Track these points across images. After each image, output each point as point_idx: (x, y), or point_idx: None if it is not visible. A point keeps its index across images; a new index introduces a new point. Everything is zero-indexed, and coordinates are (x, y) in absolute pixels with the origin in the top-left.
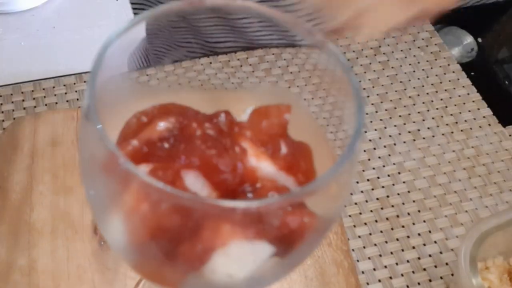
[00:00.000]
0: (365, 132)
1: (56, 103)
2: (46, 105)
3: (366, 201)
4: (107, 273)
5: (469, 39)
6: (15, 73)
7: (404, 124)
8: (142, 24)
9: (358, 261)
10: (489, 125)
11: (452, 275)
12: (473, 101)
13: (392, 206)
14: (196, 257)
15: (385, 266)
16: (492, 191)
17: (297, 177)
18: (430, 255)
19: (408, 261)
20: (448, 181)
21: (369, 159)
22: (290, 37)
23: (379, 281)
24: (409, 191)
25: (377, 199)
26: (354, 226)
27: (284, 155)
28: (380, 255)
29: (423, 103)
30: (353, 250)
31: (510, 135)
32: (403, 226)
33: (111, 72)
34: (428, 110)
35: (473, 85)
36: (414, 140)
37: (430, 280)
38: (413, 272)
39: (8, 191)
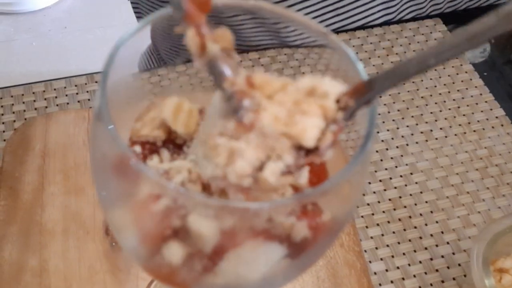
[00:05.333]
0: (378, 132)
1: (68, 103)
2: (57, 105)
3: (379, 202)
4: (119, 274)
5: None
6: (26, 73)
7: (417, 124)
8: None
9: (370, 262)
10: (502, 125)
11: (465, 276)
12: (486, 102)
13: (405, 206)
14: (208, 259)
15: (398, 267)
16: (505, 192)
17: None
18: (442, 256)
19: (420, 262)
20: (461, 182)
21: (381, 160)
22: (282, 38)
23: (392, 282)
24: (421, 192)
25: (390, 199)
26: (367, 227)
27: None
28: (393, 256)
29: (436, 103)
30: (365, 251)
31: None
32: (415, 227)
33: (122, 72)
34: (440, 111)
35: (486, 86)
36: (427, 140)
37: (442, 281)
38: (426, 273)
39: (19, 191)
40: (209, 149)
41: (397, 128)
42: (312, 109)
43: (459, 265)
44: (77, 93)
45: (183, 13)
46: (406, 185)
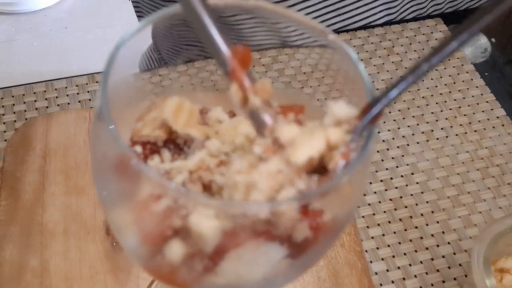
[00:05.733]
0: (379, 132)
1: (68, 103)
2: (58, 105)
3: (380, 202)
4: (120, 274)
5: (482, 40)
6: (27, 73)
7: (418, 124)
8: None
9: (371, 262)
10: (503, 125)
11: (466, 276)
12: (487, 102)
13: (406, 207)
14: (209, 259)
15: (399, 267)
16: (506, 192)
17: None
18: (443, 256)
19: (421, 262)
20: (462, 182)
21: (382, 160)
22: (283, 38)
23: (393, 282)
24: (422, 192)
25: (391, 199)
26: (368, 227)
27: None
28: (394, 256)
29: (437, 103)
30: (366, 251)
31: None
32: (416, 227)
33: (123, 72)
34: (441, 111)
35: (487, 86)
36: (428, 140)
37: (443, 281)
38: (427, 273)
39: (20, 191)
40: (230, 188)
41: (398, 128)
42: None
43: (460, 265)
44: (78, 93)
45: (227, 69)
46: (407, 185)
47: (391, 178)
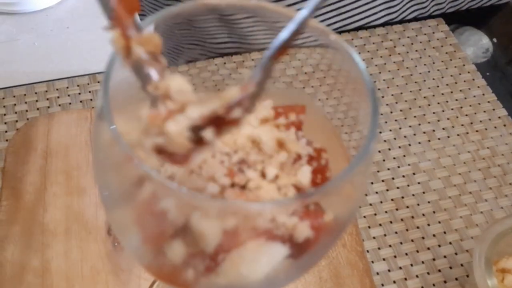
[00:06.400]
0: (380, 132)
1: (70, 103)
2: (59, 105)
3: (381, 202)
4: (121, 274)
5: (484, 40)
6: (28, 73)
7: (419, 124)
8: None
9: (373, 262)
10: (504, 125)
11: (467, 276)
12: (488, 102)
13: (407, 207)
14: (210, 259)
15: (400, 267)
16: (508, 192)
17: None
18: (445, 256)
19: (423, 262)
20: (463, 182)
21: (384, 160)
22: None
23: (394, 282)
24: (424, 192)
25: (392, 200)
26: (369, 227)
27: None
28: (395, 256)
29: (438, 103)
30: (367, 251)
31: None
32: (418, 227)
33: (125, 72)
34: (443, 111)
35: (488, 86)
36: (429, 141)
37: (445, 282)
38: (428, 273)
39: (21, 191)
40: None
41: (400, 128)
42: None
43: (462, 265)
44: (79, 93)
45: (110, 13)
46: (408, 185)
47: (393, 178)
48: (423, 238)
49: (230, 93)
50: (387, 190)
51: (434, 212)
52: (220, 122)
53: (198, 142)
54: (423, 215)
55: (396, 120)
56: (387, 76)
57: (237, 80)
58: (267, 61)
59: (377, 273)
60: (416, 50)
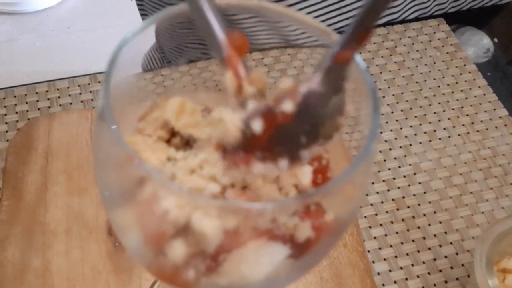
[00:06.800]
0: (381, 132)
1: (71, 103)
2: (60, 105)
3: (382, 202)
4: (122, 274)
5: (485, 40)
6: (29, 73)
7: (420, 124)
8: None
9: (373, 262)
10: (505, 125)
11: (468, 276)
12: (489, 102)
13: (408, 207)
14: (211, 259)
15: (401, 268)
16: (509, 192)
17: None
18: (446, 256)
19: (424, 262)
20: (464, 182)
21: (384, 160)
22: (284, 37)
23: (395, 282)
24: (425, 192)
25: (393, 200)
26: (370, 227)
27: None
28: (396, 256)
29: (439, 103)
30: (368, 251)
31: None
32: (418, 227)
33: (125, 72)
34: (444, 111)
35: (489, 86)
36: (430, 141)
37: (446, 282)
38: (429, 273)
39: (22, 192)
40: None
41: (401, 128)
42: None
43: (463, 265)
44: (80, 93)
45: (223, 56)
46: (409, 186)
47: (394, 178)
48: (424, 238)
49: (283, 84)
50: (388, 190)
51: (435, 212)
52: (272, 116)
53: (250, 137)
54: (424, 215)
55: (397, 120)
56: (388, 76)
57: None
58: (329, 60)
59: (378, 273)
60: (417, 50)
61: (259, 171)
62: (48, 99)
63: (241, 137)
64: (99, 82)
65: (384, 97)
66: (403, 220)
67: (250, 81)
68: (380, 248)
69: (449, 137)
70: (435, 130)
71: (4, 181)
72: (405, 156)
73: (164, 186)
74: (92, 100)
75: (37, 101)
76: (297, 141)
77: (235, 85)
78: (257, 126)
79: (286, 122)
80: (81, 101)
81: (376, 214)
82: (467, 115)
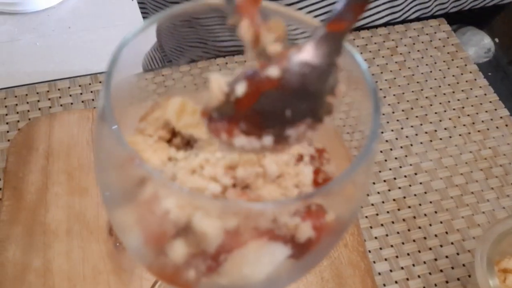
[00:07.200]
0: (382, 132)
1: (72, 103)
2: (61, 105)
3: (383, 202)
4: (123, 274)
5: (486, 39)
6: (30, 73)
7: (421, 124)
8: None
9: (374, 262)
10: (506, 125)
11: (469, 276)
12: (490, 102)
13: (409, 207)
14: (212, 259)
15: (402, 268)
16: (510, 192)
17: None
18: (447, 256)
19: (424, 262)
20: (465, 182)
21: (385, 160)
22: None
23: (396, 282)
24: (425, 192)
25: (394, 200)
26: (371, 227)
27: None
28: (397, 256)
29: (440, 103)
30: (369, 251)
31: None
32: (419, 227)
33: (126, 72)
34: (445, 111)
35: (490, 86)
36: (431, 141)
37: (447, 282)
38: (430, 273)
39: (23, 192)
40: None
41: (402, 128)
42: None
43: (464, 265)
44: (81, 93)
45: (235, 4)
46: (410, 186)
47: (395, 178)
48: (425, 238)
49: (270, 49)
50: (389, 190)
51: (436, 212)
52: (257, 81)
53: (235, 102)
54: (425, 215)
55: (398, 120)
56: (389, 76)
57: None
58: (322, 26)
59: (379, 273)
60: (418, 50)
61: (241, 144)
62: (49, 99)
63: (225, 100)
64: (100, 82)
65: (385, 97)
66: (404, 220)
67: (268, 29)
68: (381, 248)
69: (450, 137)
70: (436, 130)
71: (4, 181)
72: (406, 156)
73: (165, 186)
74: (93, 100)
75: (38, 101)
76: (283, 115)
77: (252, 34)
78: (241, 88)
79: (272, 89)
80: (82, 101)
81: (377, 214)
82: (468, 115)
